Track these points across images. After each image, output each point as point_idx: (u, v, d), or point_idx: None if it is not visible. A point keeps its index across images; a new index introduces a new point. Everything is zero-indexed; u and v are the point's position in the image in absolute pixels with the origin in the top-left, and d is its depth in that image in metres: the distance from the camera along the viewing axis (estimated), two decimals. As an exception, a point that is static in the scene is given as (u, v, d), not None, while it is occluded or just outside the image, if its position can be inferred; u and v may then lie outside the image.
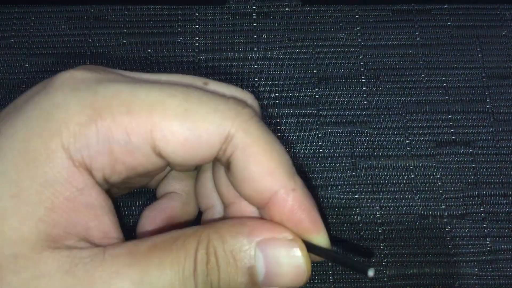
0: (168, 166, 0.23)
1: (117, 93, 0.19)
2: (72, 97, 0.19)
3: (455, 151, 0.33)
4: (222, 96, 0.21)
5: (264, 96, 0.34)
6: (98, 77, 0.20)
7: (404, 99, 0.35)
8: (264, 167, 0.20)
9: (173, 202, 0.26)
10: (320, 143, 0.33)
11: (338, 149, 0.33)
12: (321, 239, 0.21)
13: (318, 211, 0.21)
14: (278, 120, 0.34)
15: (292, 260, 0.20)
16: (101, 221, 0.19)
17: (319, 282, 0.30)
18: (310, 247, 0.21)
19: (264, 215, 0.21)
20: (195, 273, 0.19)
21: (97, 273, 0.18)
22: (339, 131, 0.34)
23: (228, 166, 0.21)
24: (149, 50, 0.35)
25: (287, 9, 0.37)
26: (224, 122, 0.20)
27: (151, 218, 0.25)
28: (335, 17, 0.37)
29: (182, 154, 0.20)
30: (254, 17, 0.36)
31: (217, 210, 0.24)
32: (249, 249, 0.20)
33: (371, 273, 0.19)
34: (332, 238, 0.23)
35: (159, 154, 0.20)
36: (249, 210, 0.22)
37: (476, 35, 0.36)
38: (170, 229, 0.21)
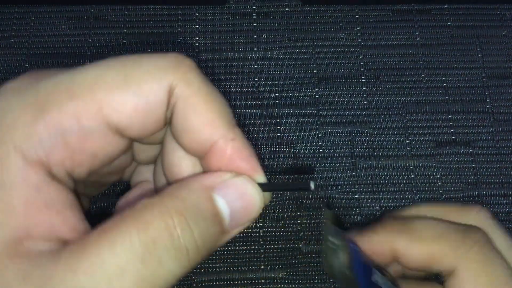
0: (132, 147, 0.23)
1: (57, 84, 0.19)
2: (15, 100, 0.19)
3: (455, 151, 0.33)
4: (159, 53, 0.21)
5: (264, 96, 0.34)
6: (38, 77, 0.20)
7: (404, 99, 0.35)
8: (204, 117, 0.20)
9: (145, 191, 0.26)
10: (320, 143, 0.33)
11: (338, 149, 0.33)
12: (259, 179, 0.21)
13: (258, 160, 0.22)
14: (278, 120, 0.34)
15: (247, 189, 0.21)
16: (65, 216, 0.19)
17: (319, 282, 0.30)
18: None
19: (204, 165, 0.22)
20: (155, 242, 0.18)
21: (53, 273, 0.17)
22: (339, 131, 0.34)
23: (170, 119, 0.21)
24: (149, 50, 0.35)
25: (287, 9, 0.37)
26: (165, 76, 0.20)
27: (124, 209, 0.25)
28: (335, 17, 0.37)
29: (137, 120, 0.20)
30: (254, 17, 0.36)
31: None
32: (208, 197, 0.20)
33: (312, 185, 0.20)
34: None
35: (116, 130, 0.20)
36: None
37: (476, 35, 0.36)
38: None
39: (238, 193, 0.20)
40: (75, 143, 0.19)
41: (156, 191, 0.25)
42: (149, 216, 0.18)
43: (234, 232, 0.21)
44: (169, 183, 0.23)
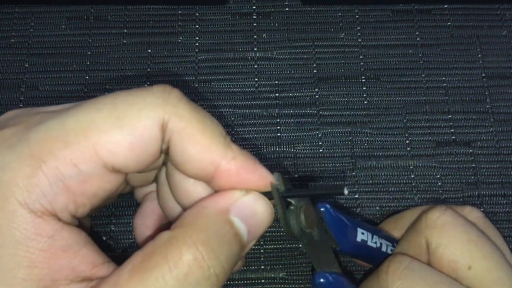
0: (129, 180, 0.23)
1: (48, 132, 0.19)
2: (8, 155, 0.19)
3: (455, 151, 0.33)
4: (145, 88, 0.21)
5: (264, 96, 0.34)
6: (25, 125, 0.20)
7: (404, 99, 0.35)
8: (201, 146, 0.21)
9: (155, 202, 0.26)
10: (320, 143, 0.33)
11: (338, 149, 0.33)
12: (273, 187, 0.22)
13: (263, 166, 0.22)
14: (278, 120, 0.34)
15: (259, 206, 0.21)
16: (82, 255, 0.20)
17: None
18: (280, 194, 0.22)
19: (214, 187, 0.22)
20: (187, 276, 0.19)
21: None
22: (339, 131, 0.34)
23: (167, 152, 0.21)
24: (149, 50, 0.35)
25: (287, 9, 0.37)
26: (156, 112, 0.20)
27: (143, 226, 0.26)
28: (335, 17, 0.37)
29: (133, 158, 0.20)
30: (254, 17, 0.36)
31: None
32: (226, 220, 0.21)
33: (346, 190, 0.20)
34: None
35: (113, 169, 0.20)
36: None
37: (476, 35, 0.36)
38: (166, 227, 0.23)
39: (252, 210, 0.21)
40: (75, 187, 0.19)
41: (163, 209, 0.25)
42: (176, 251, 0.19)
43: (251, 245, 0.22)
44: (180, 204, 0.24)
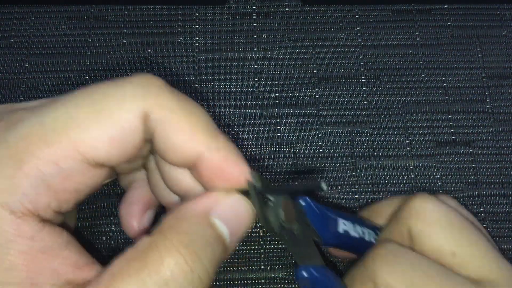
0: (116, 170, 0.23)
1: (27, 132, 0.19)
2: None
3: (455, 151, 0.33)
4: (124, 79, 0.21)
5: (264, 96, 0.34)
6: (3, 124, 0.20)
7: (404, 99, 0.35)
8: (184, 135, 0.20)
9: (140, 189, 0.26)
10: (320, 143, 0.33)
11: (338, 149, 0.33)
12: (250, 185, 0.22)
13: (245, 162, 0.22)
14: (278, 120, 0.34)
15: (241, 207, 0.21)
16: (64, 256, 0.19)
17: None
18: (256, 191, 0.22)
19: (195, 175, 0.22)
20: (169, 281, 0.18)
21: None
22: (339, 131, 0.34)
23: (151, 140, 0.21)
24: (149, 50, 0.35)
25: (287, 9, 0.37)
26: (137, 103, 0.20)
27: (128, 214, 0.26)
28: (335, 17, 0.37)
29: (115, 152, 0.20)
30: (254, 17, 0.36)
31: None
32: (208, 223, 0.20)
33: (324, 186, 0.20)
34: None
35: (96, 164, 0.20)
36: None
37: (476, 35, 0.36)
38: (151, 215, 0.25)
39: (233, 212, 0.21)
40: (57, 185, 0.19)
41: (156, 196, 0.25)
42: (156, 256, 0.18)
43: (233, 246, 0.22)
44: (172, 191, 0.24)
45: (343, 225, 0.25)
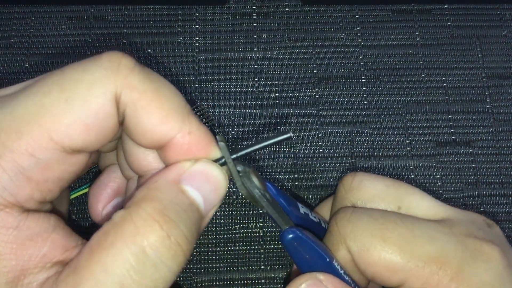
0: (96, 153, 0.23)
1: None
2: None
3: (455, 151, 0.33)
4: (93, 59, 0.20)
5: (264, 96, 0.34)
6: None
7: (404, 99, 0.35)
8: (155, 117, 0.20)
9: (113, 174, 0.26)
10: (320, 143, 0.33)
11: (338, 149, 0.33)
12: (222, 149, 0.22)
13: (217, 146, 0.22)
14: (278, 120, 0.34)
15: (210, 171, 0.21)
16: (52, 240, 0.19)
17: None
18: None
19: (162, 156, 0.22)
20: (146, 249, 0.18)
21: None
22: (339, 131, 0.34)
23: (122, 122, 0.21)
24: (149, 50, 0.35)
25: (287, 9, 0.37)
26: (106, 86, 0.19)
27: (97, 198, 0.26)
28: (335, 17, 0.37)
29: (91, 138, 0.20)
30: (254, 17, 0.36)
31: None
32: (179, 190, 0.20)
33: (291, 133, 0.21)
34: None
35: (73, 151, 0.20)
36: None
37: (476, 35, 0.36)
38: (119, 202, 0.24)
39: (204, 177, 0.21)
40: (37, 176, 0.19)
41: (123, 173, 0.25)
42: (132, 226, 0.18)
43: (211, 213, 0.21)
44: (133, 171, 0.23)
45: (302, 208, 0.26)
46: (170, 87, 0.21)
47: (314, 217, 0.26)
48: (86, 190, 0.30)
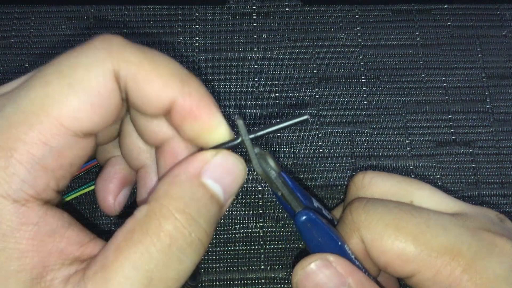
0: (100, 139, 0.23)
1: (8, 120, 0.19)
2: None
3: (455, 151, 0.33)
4: (86, 45, 0.21)
5: (264, 96, 0.34)
6: None
7: (404, 99, 0.35)
8: (156, 83, 0.21)
9: (117, 166, 0.26)
10: (320, 143, 0.33)
11: (338, 149, 0.33)
12: (221, 131, 0.22)
13: (217, 107, 0.22)
14: (278, 120, 0.34)
15: (230, 163, 0.22)
16: (68, 237, 0.20)
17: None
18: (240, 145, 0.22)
19: (171, 124, 0.22)
20: (171, 246, 0.19)
21: None
22: (339, 131, 0.34)
23: (126, 98, 0.21)
24: (149, 50, 0.35)
25: (287, 9, 0.37)
26: (104, 65, 0.20)
27: (104, 190, 0.26)
28: (335, 17, 0.37)
29: (99, 118, 0.20)
30: (254, 17, 0.36)
31: (151, 169, 0.25)
32: (200, 184, 0.21)
33: (307, 116, 0.21)
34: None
35: (84, 135, 0.20)
36: (179, 146, 0.23)
37: (476, 35, 0.36)
38: (127, 192, 0.26)
39: (224, 169, 0.21)
40: (52, 163, 0.19)
41: (128, 160, 0.26)
42: (156, 224, 0.19)
43: (229, 202, 0.22)
44: (150, 145, 0.24)
45: (316, 202, 0.26)
46: (165, 56, 0.22)
47: (328, 213, 0.27)
48: (92, 187, 0.30)
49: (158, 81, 0.21)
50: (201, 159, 0.21)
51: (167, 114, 0.22)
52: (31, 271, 0.19)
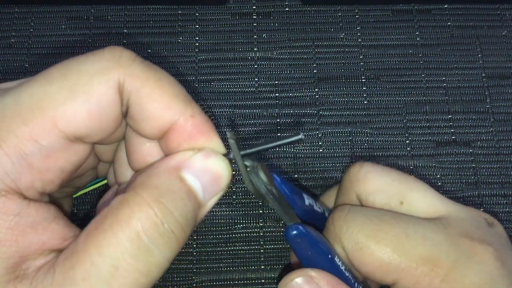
0: (94, 149, 0.23)
1: (4, 111, 0.19)
2: None
3: (455, 151, 0.33)
4: (95, 52, 0.21)
5: (264, 96, 0.34)
6: None
7: (404, 99, 0.35)
8: (159, 102, 0.21)
9: (120, 190, 0.26)
10: (320, 143, 0.33)
11: (338, 149, 0.33)
12: (218, 149, 0.22)
13: (217, 133, 0.22)
14: (278, 120, 0.34)
15: (211, 161, 0.21)
16: (52, 229, 0.20)
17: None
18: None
19: (163, 145, 0.22)
20: (141, 234, 0.18)
21: (52, 286, 0.18)
22: (339, 131, 0.34)
23: (127, 113, 0.21)
24: (149, 50, 0.35)
25: (287, 9, 0.37)
26: (109, 75, 0.20)
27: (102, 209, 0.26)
28: (335, 17, 0.37)
29: (94, 126, 0.20)
30: (254, 17, 0.36)
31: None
32: (177, 177, 0.20)
33: (301, 135, 0.21)
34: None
35: (76, 139, 0.20)
36: None
37: (476, 35, 0.36)
38: None
39: (204, 166, 0.21)
40: (39, 164, 0.19)
41: (118, 183, 0.25)
42: (128, 211, 0.19)
43: (210, 203, 0.21)
44: (136, 168, 0.24)
45: (308, 199, 0.26)
46: (171, 77, 0.22)
47: (319, 207, 0.27)
48: (105, 181, 0.30)
49: (162, 100, 0.21)
50: (182, 155, 0.21)
51: (162, 136, 0.21)
52: (7, 260, 0.18)
